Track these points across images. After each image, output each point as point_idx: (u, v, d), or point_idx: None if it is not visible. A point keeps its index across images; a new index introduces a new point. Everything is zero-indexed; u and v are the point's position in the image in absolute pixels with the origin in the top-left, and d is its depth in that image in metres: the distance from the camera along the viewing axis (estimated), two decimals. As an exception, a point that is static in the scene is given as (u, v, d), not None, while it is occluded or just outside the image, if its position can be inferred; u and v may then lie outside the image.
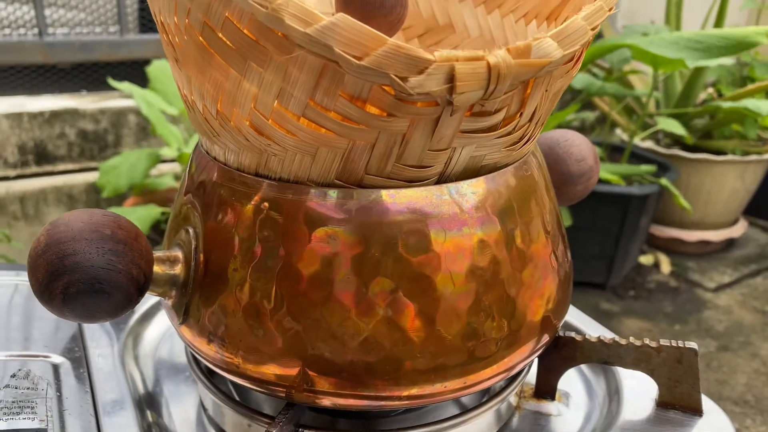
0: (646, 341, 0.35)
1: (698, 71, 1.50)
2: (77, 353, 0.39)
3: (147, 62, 1.22)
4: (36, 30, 1.25)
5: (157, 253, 0.31)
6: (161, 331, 0.43)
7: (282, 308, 0.28)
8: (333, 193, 0.27)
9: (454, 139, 0.26)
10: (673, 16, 1.53)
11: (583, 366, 0.41)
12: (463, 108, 0.24)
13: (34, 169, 1.23)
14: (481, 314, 0.29)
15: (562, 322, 0.35)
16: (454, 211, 0.28)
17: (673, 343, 0.34)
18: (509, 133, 0.28)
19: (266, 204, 0.28)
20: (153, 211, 0.99)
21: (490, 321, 0.29)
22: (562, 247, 0.34)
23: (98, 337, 0.40)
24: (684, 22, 1.60)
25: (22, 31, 1.36)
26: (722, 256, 1.67)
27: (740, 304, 1.46)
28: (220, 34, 0.24)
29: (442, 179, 0.28)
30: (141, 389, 0.38)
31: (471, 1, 0.41)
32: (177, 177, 1.26)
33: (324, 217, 0.27)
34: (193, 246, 0.31)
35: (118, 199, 1.20)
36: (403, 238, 0.27)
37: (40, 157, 1.23)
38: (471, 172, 0.29)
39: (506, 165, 0.30)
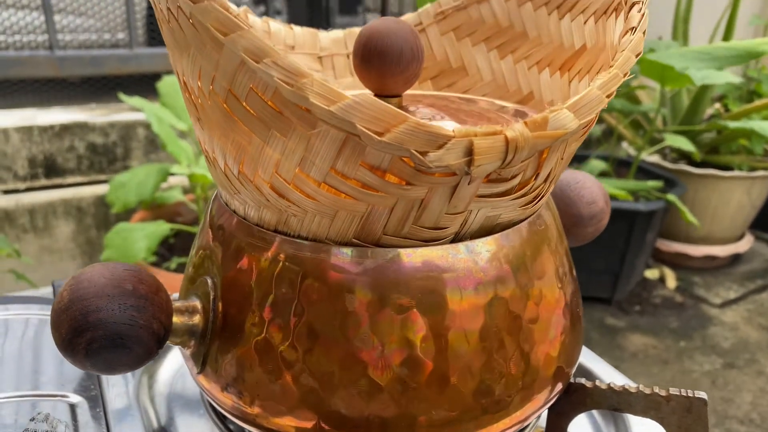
0: (656, 389, 0.35)
1: (705, 87, 1.50)
2: (93, 391, 0.39)
3: (156, 76, 1.23)
4: (46, 36, 1.26)
5: (176, 304, 0.31)
6: (176, 368, 0.43)
7: (299, 364, 0.28)
8: (350, 252, 0.28)
9: (470, 203, 0.26)
10: (681, 31, 1.54)
11: (593, 411, 0.41)
12: (481, 176, 0.25)
13: (44, 181, 1.24)
14: (495, 371, 0.29)
15: (575, 368, 0.35)
16: (469, 270, 0.28)
17: (683, 392, 0.35)
18: (524, 195, 0.28)
19: (284, 260, 0.29)
20: (162, 228, 1.00)
21: (504, 377, 0.29)
22: (574, 293, 0.35)
23: (114, 376, 0.40)
24: (691, 39, 1.60)
25: (32, 36, 1.37)
26: (728, 271, 1.67)
27: (746, 321, 1.46)
28: (244, 103, 0.25)
29: (458, 238, 0.29)
30: (156, 427, 0.39)
31: (484, 45, 0.41)
32: (185, 191, 1.27)
33: (341, 275, 0.28)
34: (211, 296, 0.31)
35: (127, 213, 1.20)
36: (419, 297, 0.28)
37: (50, 170, 1.23)
38: (486, 230, 0.29)
39: (521, 221, 0.31)
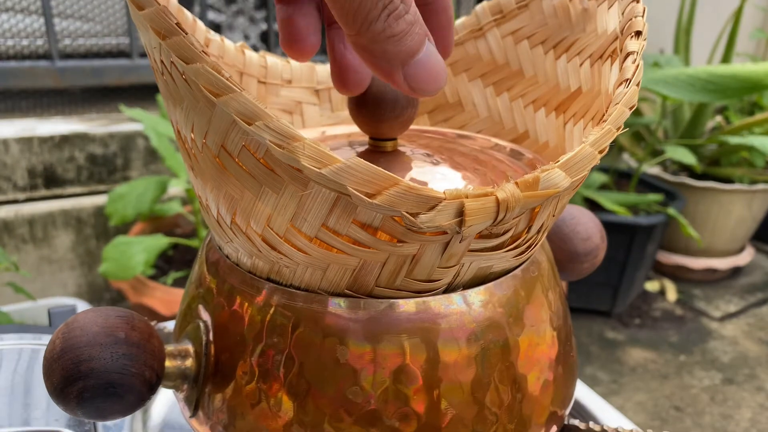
0: (650, 433, 0.35)
1: (706, 100, 1.50)
2: (86, 426, 0.39)
3: (156, 86, 1.23)
4: (45, 40, 1.26)
5: (169, 347, 0.31)
6: (170, 401, 0.43)
7: (290, 413, 0.28)
8: (343, 303, 0.28)
9: (463, 257, 0.26)
10: (682, 43, 1.54)
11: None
12: (471, 235, 0.25)
13: (43, 192, 1.24)
14: (488, 420, 0.29)
15: (569, 409, 0.35)
16: (461, 320, 0.28)
17: (677, 437, 0.35)
18: (517, 247, 0.28)
19: (276, 309, 0.29)
20: (160, 242, 1.00)
21: (496, 426, 0.29)
22: (568, 336, 0.35)
23: (108, 408, 0.40)
24: (693, 49, 1.60)
25: (30, 40, 1.37)
26: (728, 283, 1.67)
27: (746, 335, 1.46)
28: (236, 160, 0.25)
29: (450, 288, 0.28)
30: (149, 462, 0.39)
31: (480, 81, 0.41)
32: (184, 202, 1.27)
33: (333, 326, 0.28)
34: (203, 341, 0.31)
35: (126, 224, 1.20)
36: (412, 348, 0.28)
37: (50, 180, 1.24)
38: (479, 279, 0.29)
39: (514, 268, 0.31)
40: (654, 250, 1.48)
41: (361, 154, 0.33)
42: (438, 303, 0.28)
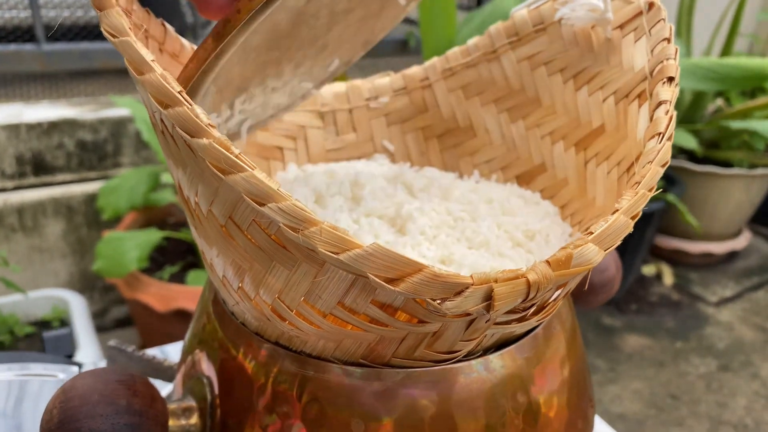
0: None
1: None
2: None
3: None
4: (29, 13, 1.21)
5: (172, 406, 0.30)
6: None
7: (302, 486, 0.27)
8: (358, 372, 0.26)
9: (487, 329, 0.25)
10: (684, 26, 1.51)
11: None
12: (501, 314, 0.23)
13: (32, 180, 1.21)
14: (507, 488, 0.28)
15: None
16: (481, 388, 0.27)
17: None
18: (540, 312, 0.26)
19: (285, 376, 0.27)
20: (153, 237, 0.98)
21: (515, 492, 0.28)
22: (586, 388, 0.33)
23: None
24: (694, 30, 1.57)
25: (14, 13, 1.32)
26: (725, 267, 1.67)
27: (741, 320, 1.46)
28: (245, 233, 0.23)
29: (470, 354, 0.27)
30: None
31: (494, 106, 0.39)
32: (176, 192, 1.24)
33: (347, 397, 0.26)
34: (209, 399, 0.30)
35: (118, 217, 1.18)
36: (430, 420, 0.26)
37: (38, 168, 1.21)
38: (500, 343, 0.28)
39: (536, 327, 0.29)
40: (652, 236, 1.47)
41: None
42: (458, 371, 0.27)
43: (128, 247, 0.92)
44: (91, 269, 1.27)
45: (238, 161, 0.20)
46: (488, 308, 0.22)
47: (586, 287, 0.39)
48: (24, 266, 1.21)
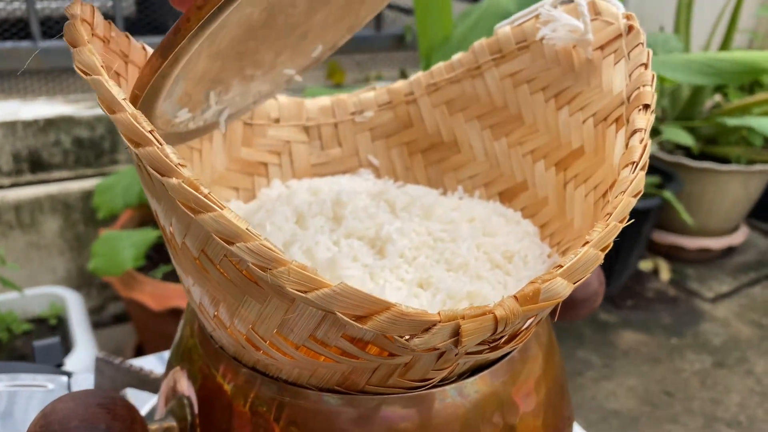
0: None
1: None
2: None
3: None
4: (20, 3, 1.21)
5: (153, 426, 0.30)
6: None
7: None
8: (332, 399, 0.27)
9: (458, 359, 0.25)
10: (683, 20, 1.50)
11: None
12: (469, 348, 0.23)
13: (29, 177, 1.21)
14: None
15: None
16: (456, 413, 0.27)
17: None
18: (513, 340, 0.27)
19: (262, 402, 0.27)
20: (149, 236, 0.98)
21: None
22: (567, 405, 0.34)
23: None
24: (693, 26, 1.56)
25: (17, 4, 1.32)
26: (722, 263, 1.67)
27: (737, 316, 1.47)
28: (218, 267, 0.23)
29: (444, 380, 0.27)
30: None
31: (478, 122, 0.39)
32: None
33: (324, 422, 0.27)
34: (188, 420, 0.30)
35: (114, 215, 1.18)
36: (404, 445, 0.27)
37: (35, 165, 1.21)
38: (475, 368, 0.28)
39: (511, 351, 0.29)
40: (648, 232, 1.47)
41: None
42: (432, 396, 0.27)
43: (124, 245, 0.93)
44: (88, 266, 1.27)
45: (207, 201, 0.21)
46: (456, 344, 0.22)
47: (570, 303, 0.39)
48: (22, 263, 1.22)
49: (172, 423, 0.30)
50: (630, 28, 0.31)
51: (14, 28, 1.21)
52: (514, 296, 0.22)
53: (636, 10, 1.85)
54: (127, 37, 0.30)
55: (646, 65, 0.29)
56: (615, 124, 0.30)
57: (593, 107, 0.33)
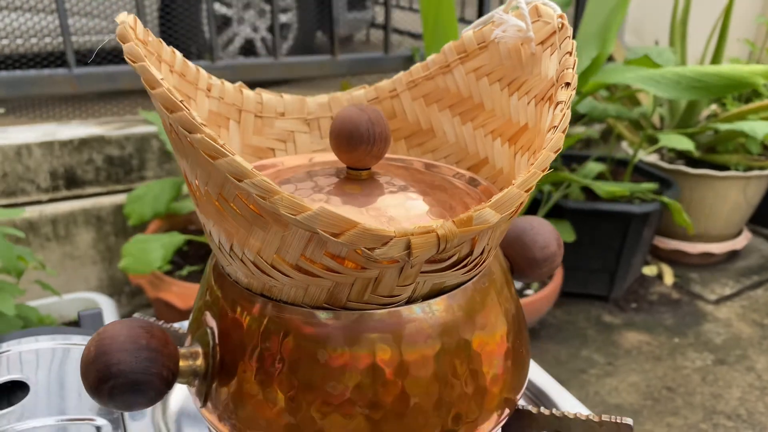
0: (591, 416, 0.41)
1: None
2: (115, 414, 0.46)
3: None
4: (59, 40, 1.32)
5: (182, 350, 0.38)
6: (185, 393, 0.50)
7: (281, 404, 0.35)
8: (322, 315, 0.34)
9: (417, 277, 0.33)
10: (678, 35, 1.57)
11: None
12: (421, 262, 0.31)
13: (65, 193, 1.31)
14: (444, 409, 0.35)
15: (521, 393, 0.41)
16: (420, 326, 0.35)
17: (613, 419, 0.41)
18: (464, 266, 0.34)
19: (268, 319, 0.35)
20: (176, 239, 1.07)
21: (453, 413, 0.36)
22: (519, 333, 0.41)
23: (133, 399, 0.47)
24: (689, 39, 1.63)
25: (47, 40, 1.43)
26: (725, 267, 1.72)
27: (739, 317, 1.51)
28: (232, 205, 0.31)
29: (411, 300, 0.35)
30: (169, 444, 0.45)
31: (449, 111, 0.47)
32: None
33: (314, 333, 0.34)
34: (211, 345, 0.38)
35: (143, 222, 1.27)
36: (379, 350, 0.34)
37: (70, 181, 1.31)
38: (435, 292, 0.35)
39: (468, 281, 0.37)
40: (650, 237, 1.53)
41: (339, 182, 0.39)
42: (400, 313, 0.34)
43: (153, 247, 1.01)
44: (120, 275, 1.36)
45: (222, 149, 0.28)
46: (409, 255, 0.29)
47: (531, 262, 0.46)
48: (58, 272, 1.31)
49: (197, 348, 0.38)
50: (562, 26, 0.39)
51: (51, 57, 1.32)
52: (453, 220, 0.30)
53: (634, 25, 1.93)
54: (160, 42, 0.38)
55: (570, 53, 0.37)
56: (549, 102, 0.38)
57: (534, 91, 0.40)
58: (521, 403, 0.43)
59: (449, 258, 0.32)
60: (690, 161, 1.64)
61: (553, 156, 0.33)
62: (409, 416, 0.35)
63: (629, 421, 0.41)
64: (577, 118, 1.66)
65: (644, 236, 1.47)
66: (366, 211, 0.37)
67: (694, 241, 1.67)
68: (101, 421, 0.45)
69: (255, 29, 2.56)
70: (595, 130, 1.80)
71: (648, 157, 1.67)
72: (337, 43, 1.57)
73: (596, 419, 0.41)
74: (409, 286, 0.33)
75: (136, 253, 1.06)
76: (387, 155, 0.48)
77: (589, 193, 1.50)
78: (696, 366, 1.34)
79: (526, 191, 0.32)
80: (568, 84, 0.35)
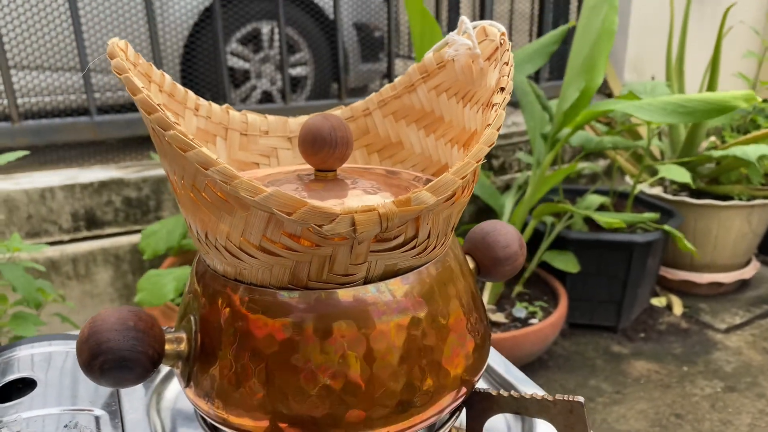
0: (545, 396, 0.44)
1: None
2: (113, 407, 0.50)
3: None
4: (83, 97, 1.41)
5: (168, 335, 0.42)
6: (178, 389, 0.54)
7: (253, 378, 0.39)
8: (286, 294, 0.38)
9: (367, 256, 0.37)
10: (674, 71, 1.62)
11: (504, 414, 0.50)
12: (367, 239, 0.35)
13: (85, 233, 1.38)
14: (401, 380, 0.39)
15: (479, 376, 0.45)
16: (375, 304, 0.39)
17: (565, 398, 0.44)
18: (412, 248, 0.38)
19: (240, 302, 0.39)
20: (187, 272, 1.12)
21: (410, 385, 0.39)
22: (478, 320, 0.44)
23: (130, 394, 0.51)
24: (688, 76, 1.68)
25: (72, 97, 1.52)
26: (735, 297, 1.72)
27: (750, 345, 1.51)
28: (203, 194, 0.36)
29: (367, 281, 0.39)
30: (163, 435, 0.49)
31: (415, 125, 0.52)
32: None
33: (280, 312, 0.38)
34: (194, 330, 0.42)
35: (159, 259, 1.33)
36: (338, 326, 0.38)
37: (90, 222, 1.37)
38: (389, 274, 0.39)
39: (421, 265, 0.41)
40: (655, 266, 1.54)
41: (308, 183, 0.44)
42: (357, 292, 0.38)
43: (166, 280, 1.07)
44: (136, 312, 1.41)
45: (191, 143, 0.33)
46: (354, 231, 0.34)
47: (494, 261, 0.50)
48: (77, 309, 1.36)
49: (182, 334, 0.42)
50: (503, 42, 0.44)
51: (72, 107, 1.40)
52: (393, 201, 0.34)
53: (634, 62, 1.98)
54: (150, 65, 0.44)
55: (507, 63, 0.42)
56: (490, 107, 0.43)
57: (482, 100, 0.45)
58: (484, 386, 0.47)
59: (395, 238, 0.37)
60: (693, 192, 1.67)
61: (487, 149, 0.38)
62: (368, 386, 0.38)
63: (581, 399, 0.44)
64: (574, 152, 1.71)
65: (649, 266, 1.49)
66: (325, 201, 0.41)
67: (703, 272, 1.68)
68: (100, 412, 0.49)
69: (273, 82, 2.67)
70: (599, 165, 1.83)
71: (651, 189, 1.70)
72: (344, 88, 1.64)
73: (550, 399, 0.44)
74: (362, 265, 0.37)
75: (150, 288, 1.11)
76: (356, 165, 0.52)
77: (591, 225, 1.53)
78: (705, 393, 1.34)
79: (462, 178, 0.36)
80: (503, 89, 0.40)
